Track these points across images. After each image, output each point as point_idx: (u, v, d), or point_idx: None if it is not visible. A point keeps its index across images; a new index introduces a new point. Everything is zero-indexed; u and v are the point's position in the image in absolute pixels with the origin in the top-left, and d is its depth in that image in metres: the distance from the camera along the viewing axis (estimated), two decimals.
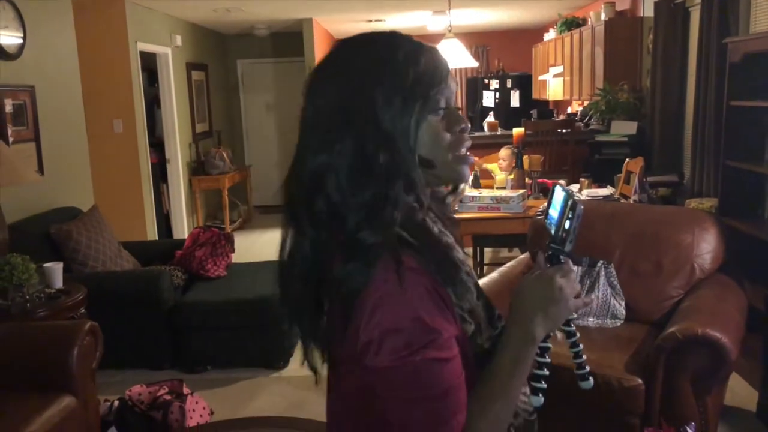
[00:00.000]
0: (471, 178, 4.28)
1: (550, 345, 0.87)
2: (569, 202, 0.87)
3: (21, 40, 3.71)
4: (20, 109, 3.70)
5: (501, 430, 0.82)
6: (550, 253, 0.86)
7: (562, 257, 0.86)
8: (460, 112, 0.88)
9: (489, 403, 0.80)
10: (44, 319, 2.74)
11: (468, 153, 0.88)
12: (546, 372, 0.87)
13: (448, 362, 0.74)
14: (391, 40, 0.86)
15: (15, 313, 2.72)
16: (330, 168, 0.78)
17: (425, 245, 0.79)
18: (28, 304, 2.79)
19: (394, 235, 0.76)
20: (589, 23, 6.16)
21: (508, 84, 8.93)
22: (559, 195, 0.88)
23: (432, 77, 0.83)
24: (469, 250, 4.86)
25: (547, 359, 0.87)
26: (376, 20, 7.67)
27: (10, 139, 3.55)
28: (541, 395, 0.87)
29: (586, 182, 4.32)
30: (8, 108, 3.57)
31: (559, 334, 0.93)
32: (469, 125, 0.88)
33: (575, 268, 0.85)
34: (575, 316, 0.89)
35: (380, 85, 0.80)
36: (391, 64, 0.82)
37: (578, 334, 0.95)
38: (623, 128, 5.21)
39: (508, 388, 0.82)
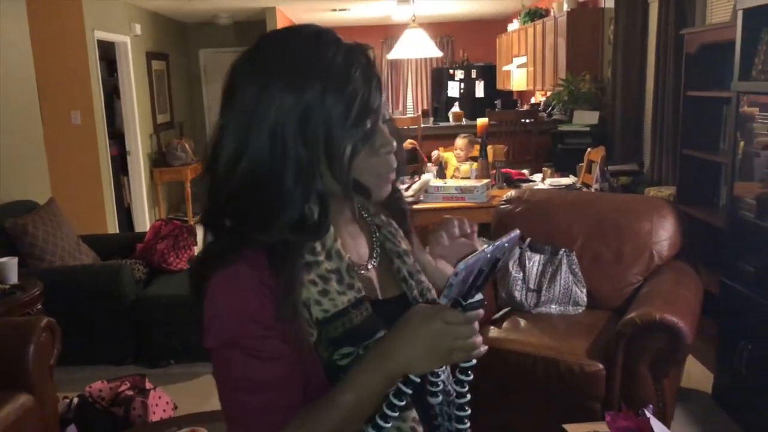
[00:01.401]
0: (436, 168, 4.30)
1: (409, 391, 0.77)
2: (492, 265, 0.77)
3: None
4: None
5: None
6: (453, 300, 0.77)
7: (461, 305, 0.76)
8: (388, 125, 0.84)
9: (313, 419, 0.77)
10: None
11: (391, 171, 0.84)
12: (395, 413, 0.78)
13: (260, 360, 0.76)
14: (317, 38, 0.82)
15: None
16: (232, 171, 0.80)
17: (278, 258, 0.78)
18: None
19: (240, 240, 0.79)
20: (552, 14, 6.23)
21: (473, 74, 8.99)
22: (477, 262, 0.75)
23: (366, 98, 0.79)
24: None
25: (399, 402, 0.77)
26: (341, 9, 7.61)
27: None
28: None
29: (549, 171, 4.38)
30: None
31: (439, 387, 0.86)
32: (394, 146, 0.84)
33: (479, 311, 0.78)
34: (470, 376, 0.83)
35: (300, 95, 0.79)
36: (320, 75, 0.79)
37: (468, 397, 0.85)
38: (585, 118, 5.29)
39: (331, 418, 0.77)
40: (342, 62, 0.79)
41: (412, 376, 0.76)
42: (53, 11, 4.98)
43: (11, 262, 2.95)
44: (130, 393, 2.64)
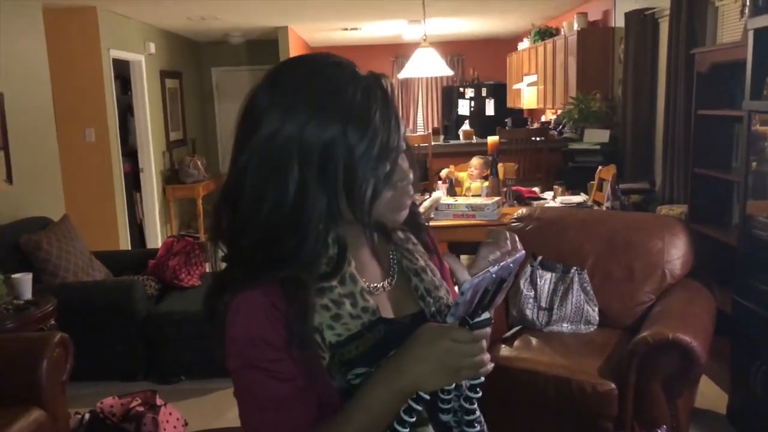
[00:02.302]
0: (447, 186, 4.31)
1: (419, 408, 0.78)
2: (498, 284, 0.78)
3: None
4: None
5: None
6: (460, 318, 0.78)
7: (469, 323, 0.78)
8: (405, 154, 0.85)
9: None
10: (12, 331, 2.68)
11: (409, 199, 0.87)
12: (406, 430, 0.79)
13: (276, 380, 0.79)
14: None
15: None
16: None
17: (290, 290, 0.80)
18: None
19: (255, 274, 0.81)
20: (562, 33, 6.26)
21: (483, 93, 9.02)
22: (483, 281, 0.76)
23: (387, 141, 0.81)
24: None
25: (409, 418, 0.79)
26: (352, 29, 7.69)
27: None
28: None
29: (560, 189, 4.37)
30: None
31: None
32: (411, 177, 0.85)
33: (487, 330, 0.78)
34: (478, 393, 0.84)
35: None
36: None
37: (477, 414, 0.87)
38: (596, 136, 5.30)
39: (349, 426, 0.78)
40: (362, 100, 0.79)
41: (422, 394, 0.77)
42: (70, 30, 5.07)
43: (25, 278, 2.98)
44: (141, 409, 2.65)
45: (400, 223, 0.88)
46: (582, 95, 5.49)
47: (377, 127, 0.79)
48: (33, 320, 2.80)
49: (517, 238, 0.96)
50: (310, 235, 0.80)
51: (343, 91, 0.79)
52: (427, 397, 0.78)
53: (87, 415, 2.66)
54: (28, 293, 2.96)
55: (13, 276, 2.94)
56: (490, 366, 0.78)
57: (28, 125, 4.04)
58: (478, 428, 0.86)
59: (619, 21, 5.35)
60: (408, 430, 0.79)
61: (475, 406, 0.85)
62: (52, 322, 2.92)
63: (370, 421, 0.78)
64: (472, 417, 0.86)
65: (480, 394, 0.85)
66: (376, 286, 0.89)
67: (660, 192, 4.39)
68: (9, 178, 3.78)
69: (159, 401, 2.75)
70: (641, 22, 4.77)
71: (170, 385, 3.43)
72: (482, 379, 0.82)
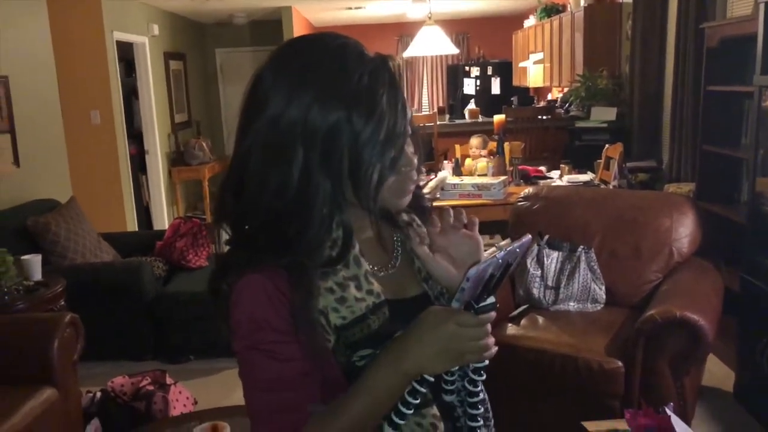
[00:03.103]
0: (452, 165, 4.29)
1: (423, 390, 0.79)
2: (504, 269, 0.78)
3: None
4: None
5: None
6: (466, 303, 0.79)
7: (474, 308, 0.78)
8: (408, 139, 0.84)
9: (331, 417, 0.80)
10: (23, 312, 2.71)
11: (413, 184, 0.87)
12: (410, 411, 0.80)
13: (278, 362, 0.79)
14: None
15: None
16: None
17: (295, 275, 0.79)
18: (6, 297, 2.75)
19: (259, 258, 0.80)
20: (569, 9, 6.18)
21: (489, 71, 8.95)
22: (488, 267, 0.75)
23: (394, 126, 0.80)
24: None
25: (413, 400, 0.79)
26: (356, 7, 7.62)
27: None
28: (392, 428, 0.80)
29: (567, 168, 4.35)
30: None
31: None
32: (416, 163, 0.85)
33: (491, 314, 0.77)
34: (482, 376, 0.84)
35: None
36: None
37: (481, 396, 0.86)
38: (603, 114, 5.25)
39: (349, 414, 0.79)
40: (368, 84, 0.78)
41: (426, 376, 0.78)
42: (73, 13, 5.04)
43: (35, 260, 3.00)
44: (151, 388, 2.68)
45: (404, 208, 0.88)
46: (588, 73, 5.44)
47: (383, 112, 0.78)
48: (43, 301, 2.82)
49: (463, 212, 0.90)
50: (313, 221, 0.79)
51: (349, 73, 0.78)
52: (431, 379, 0.79)
53: (98, 394, 2.69)
54: (38, 274, 2.98)
55: (22, 257, 2.96)
56: (494, 350, 0.79)
57: (33, 108, 4.04)
58: (482, 410, 0.86)
59: None
60: (412, 411, 0.80)
61: (480, 388, 0.86)
62: (62, 303, 2.95)
63: (374, 402, 0.79)
64: (475, 399, 0.86)
65: (484, 377, 0.85)
66: (380, 268, 0.89)
67: (667, 170, 4.36)
68: (16, 160, 3.79)
69: (168, 380, 2.78)
70: None
71: (179, 364, 3.47)
72: (486, 362, 0.83)
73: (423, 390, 0.79)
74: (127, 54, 6.06)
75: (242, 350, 0.81)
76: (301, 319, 0.79)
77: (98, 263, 3.65)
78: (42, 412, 2.18)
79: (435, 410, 0.85)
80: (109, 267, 3.63)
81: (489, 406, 0.93)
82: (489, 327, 0.78)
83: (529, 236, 0.82)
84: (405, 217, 0.94)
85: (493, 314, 0.78)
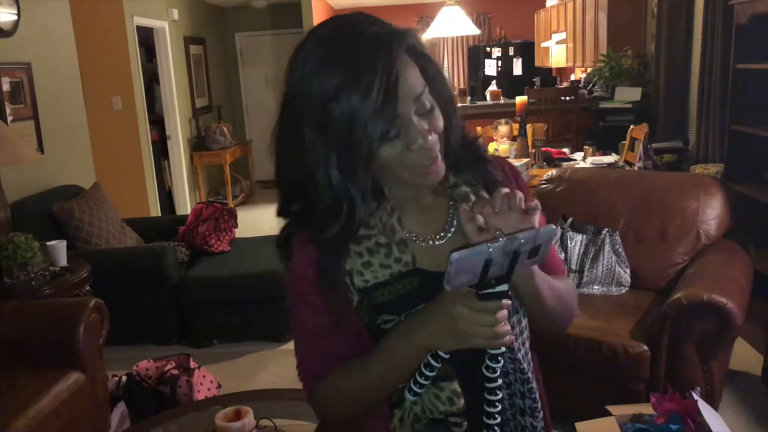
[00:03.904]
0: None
1: (437, 364, 0.83)
2: (513, 257, 0.77)
3: (15, 17, 3.65)
4: (17, 86, 3.66)
5: (357, 408, 0.93)
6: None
7: (487, 292, 0.79)
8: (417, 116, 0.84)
9: (352, 372, 0.90)
10: (50, 297, 2.75)
11: (432, 162, 0.85)
12: (426, 382, 0.85)
13: (312, 313, 0.91)
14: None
15: (20, 292, 2.73)
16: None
17: (324, 230, 0.87)
18: (33, 282, 2.79)
19: (302, 218, 0.90)
20: None
21: (511, 52, 8.82)
22: (474, 256, 0.75)
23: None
24: None
25: (429, 372, 0.84)
26: None
27: (9, 118, 3.52)
28: (411, 395, 0.86)
29: (590, 150, 4.28)
30: (5, 86, 3.53)
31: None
32: (422, 139, 0.83)
33: (501, 302, 0.79)
34: (499, 363, 0.83)
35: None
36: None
37: (500, 381, 0.86)
38: (627, 95, 5.15)
39: (368, 372, 0.88)
40: (362, 56, 0.79)
41: (440, 352, 0.82)
42: None
43: (60, 245, 3.04)
44: (176, 372, 2.71)
45: (435, 183, 0.88)
46: (613, 52, 5.33)
47: (371, 86, 0.78)
48: (69, 286, 2.86)
49: (518, 194, 0.85)
50: (319, 191, 0.84)
51: (348, 47, 0.80)
52: (446, 355, 0.82)
53: (124, 378, 2.73)
54: (63, 260, 3.02)
55: (48, 243, 3.00)
56: (507, 339, 0.80)
57: (56, 95, 4.08)
58: (499, 396, 0.86)
59: None
60: (428, 383, 0.85)
61: (497, 374, 0.84)
62: (87, 287, 2.99)
63: (391, 367, 0.86)
64: (492, 385, 0.85)
65: (500, 364, 0.84)
66: (426, 238, 0.92)
67: (694, 151, 4.27)
68: (40, 147, 3.83)
69: (193, 364, 2.81)
70: None
71: (202, 348, 3.51)
72: (503, 349, 0.83)
73: (436, 364, 0.83)
74: (147, 39, 6.08)
75: (289, 301, 0.93)
76: (323, 278, 0.88)
77: (122, 248, 3.69)
78: (69, 395, 2.21)
79: (455, 386, 0.88)
80: (132, 252, 3.67)
81: (537, 395, 0.94)
82: (502, 315, 0.79)
83: (552, 226, 0.79)
84: (464, 188, 0.93)
85: (503, 302, 0.79)
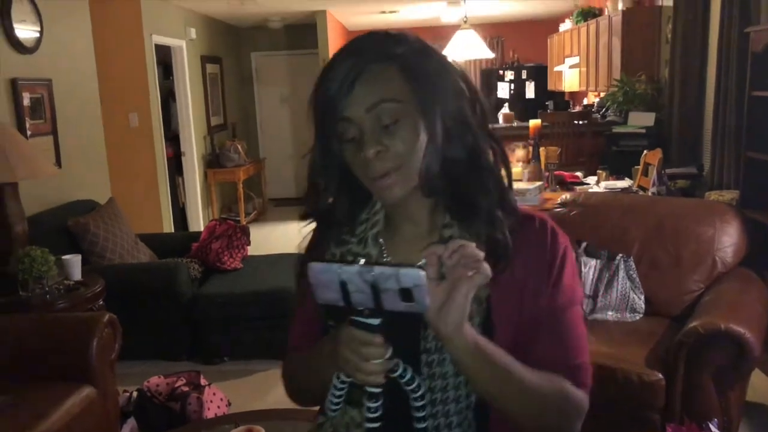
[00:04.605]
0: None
1: (339, 382, 0.82)
2: (373, 289, 0.72)
3: (38, 34, 3.72)
4: (38, 102, 3.72)
5: (301, 392, 1.02)
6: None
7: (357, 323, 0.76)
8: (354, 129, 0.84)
9: (297, 359, 1.00)
10: (64, 311, 2.76)
11: (375, 179, 0.84)
12: (334, 402, 0.84)
13: (299, 294, 1.01)
14: None
15: (35, 305, 2.75)
16: None
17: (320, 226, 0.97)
18: (47, 296, 2.81)
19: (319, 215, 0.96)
20: (606, 13, 6.09)
21: (523, 75, 8.87)
22: (326, 273, 0.73)
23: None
24: None
25: (336, 391, 0.83)
26: (390, 11, 7.63)
27: (28, 133, 3.57)
28: (330, 411, 0.86)
29: (604, 174, 4.28)
30: (26, 101, 3.59)
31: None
32: (369, 152, 0.82)
33: (367, 335, 0.76)
34: (375, 402, 0.80)
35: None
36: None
37: (378, 424, 0.81)
38: (641, 120, 5.15)
39: (305, 363, 0.94)
40: (344, 52, 0.85)
41: (341, 375, 0.82)
42: (114, 16, 5.15)
43: (75, 260, 3.06)
44: (186, 389, 2.70)
45: (388, 203, 0.89)
46: (626, 77, 5.34)
47: (334, 82, 0.82)
48: (83, 300, 2.87)
49: (458, 246, 0.77)
50: (314, 189, 0.92)
51: (340, 50, 0.86)
52: (348, 378, 0.81)
53: (135, 393, 2.73)
54: (77, 274, 3.04)
55: (63, 257, 3.02)
56: (370, 379, 0.76)
57: (75, 111, 4.13)
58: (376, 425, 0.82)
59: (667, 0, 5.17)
60: (336, 404, 0.84)
61: (376, 414, 0.80)
62: (101, 302, 3.00)
63: (316, 367, 0.88)
64: (372, 425, 0.81)
65: (377, 403, 0.79)
66: (401, 263, 0.89)
67: (708, 177, 4.25)
68: (58, 162, 3.88)
69: (203, 381, 2.80)
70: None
71: (213, 365, 3.50)
72: (375, 390, 0.78)
73: (338, 384, 0.82)
74: (164, 57, 6.17)
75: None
76: (300, 268, 0.92)
77: (136, 264, 3.71)
78: (81, 410, 2.21)
79: (354, 413, 0.86)
80: (146, 268, 3.69)
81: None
82: (368, 351, 0.75)
83: (420, 272, 0.70)
84: (450, 231, 0.88)
85: (373, 337, 0.74)
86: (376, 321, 0.75)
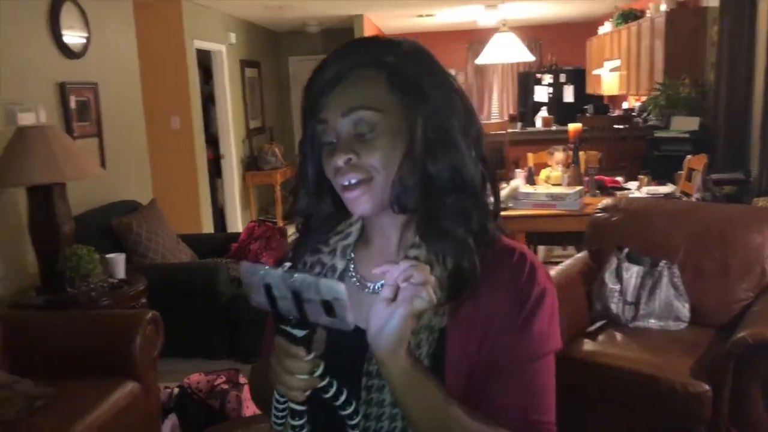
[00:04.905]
0: (525, 174, 4.21)
1: (278, 398, 0.78)
2: (295, 296, 0.69)
3: (85, 40, 3.83)
4: (84, 105, 3.82)
5: (261, 400, 0.97)
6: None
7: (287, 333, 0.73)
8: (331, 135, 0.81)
9: (259, 367, 0.96)
10: (108, 308, 2.83)
11: (344, 190, 0.80)
12: (277, 413, 0.79)
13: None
14: None
15: (81, 302, 2.82)
16: None
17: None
18: (93, 293, 2.88)
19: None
20: (648, 15, 5.97)
21: (561, 79, 8.76)
22: (254, 274, 0.70)
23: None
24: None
25: (277, 404, 0.79)
26: (427, 15, 7.63)
27: (75, 134, 3.67)
28: (275, 426, 0.80)
29: (645, 179, 4.19)
30: (73, 104, 3.69)
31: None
32: (338, 160, 0.79)
33: (298, 349, 0.72)
34: (299, 420, 0.76)
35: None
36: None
37: (355, 420, 0.77)
38: (684, 124, 5.04)
39: (264, 373, 0.85)
40: (333, 55, 0.82)
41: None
42: (157, 22, 5.26)
43: (119, 258, 3.13)
44: (226, 387, 2.74)
45: (357, 214, 0.83)
46: (669, 80, 5.23)
47: (319, 81, 0.81)
48: (126, 298, 2.94)
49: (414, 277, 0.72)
50: (306, 190, 0.88)
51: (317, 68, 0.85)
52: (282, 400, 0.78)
53: (176, 390, 2.78)
54: (121, 273, 3.11)
55: (107, 256, 3.10)
56: (291, 395, 0.73)
57: (119, 114, 4.24)
58: None
59: (712, 0, 5.05)
60: (283, 414, 0.79)
61: (299, 422, 0.76)
62: (144, 300, 3.06)
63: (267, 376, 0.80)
64: None
65: (301, 421, 0.76)
66: (360, 279, 0.86)
67: (756, 183, 4.13)
68: (102, 163, 3.98)
69: (242, 379, 2.83)
70: (738, 0, 4.48)
71: (251, 364, 3.53)
72: (297, 407, 0.75)
73: (278, 397, 0.78)
74: (204, 61, 6.28)
75: None
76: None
77: (177, 263, 3.78)
78: (125, 404, 2.26)
79: (287, 428, 0.80)
80: (187, 267, 3.75)
81: None
82: (289, 364, 0.72)
83: (340, 286, 0.67)
84: (416, 252, 0.81)
85: (291, 348, 0.71)
86: (300, 332, 0.71)
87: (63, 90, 3.59)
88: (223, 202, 6.54)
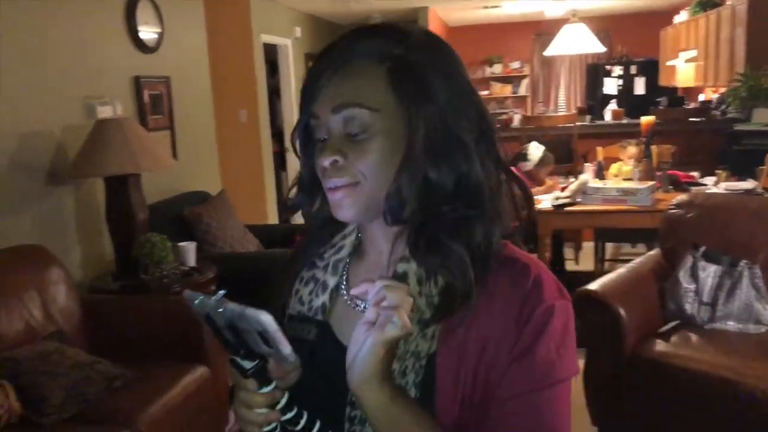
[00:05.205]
0: (595, 168, 4.08)
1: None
2: (228, 324, 0.64)
3: (158, 35, 3.96)
4: (157, 98, 3.96)
5: None
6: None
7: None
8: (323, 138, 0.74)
9: None
10: (179, 294, 2.93)
11: (330, 189, 0.72)
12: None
13: None
14: None
15: (154, 288, 2.93)
16: None
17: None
18: (165, 280, 2.99)
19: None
20: (729, 2, 5.67)
21: (632, 70, 8.45)
22: (197, 302, 0.66)
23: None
24: (590, 243, 4.67)
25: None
26: (492, 6, 7.51)
27: (149, 127, 3.81)
28: None
29: (724, 174, 4.00)
30: (147, 98, 3.83)
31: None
32: (324, 161, 0.71)
33: (249, 383, 0.68)
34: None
35: None
36: None
37: (313, 430, 0.71)
38: (767, 116, 4.77)
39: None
40: (332, 44, 0.74)
41: None
42: (225, 17, 5.38)
43: (190, 247, 3.23)
44: None
45: (340, 219, 0.74)
46: (751, 71, 4.95)
47: (313, 71, 0.74)
48: (197, 285, 3.03)
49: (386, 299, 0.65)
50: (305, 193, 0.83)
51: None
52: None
53: None
54: (192, 261, 3.21)
55: (179, 244, 3.20)
56: (246, 428, 0.69)
57: (190, 106, 4.37)
58: None
59: None
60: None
61: None
62: (213, 288, 3.15)
63: None
64: None
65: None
66: (358, 302, 0.77)
67: None
68: (174, 155, 4.12)
69: None
70: None
71: None
72: None
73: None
74: (270, 55, 6.39)
75: None
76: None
77: (245, 253, 3.86)
78: (197, 387, 2.34)
79: None
80: (255, 257, 3.83)
81: None
82: (243, 396, 0.68)
83: (267, 316, 0.62)
84: (405, 266, 0.73)
85: (241, 381, 0.67)
86: (249, 364, 0.66)
87: (138, 84, 3.73)
88: (288, 195, 6.64)
